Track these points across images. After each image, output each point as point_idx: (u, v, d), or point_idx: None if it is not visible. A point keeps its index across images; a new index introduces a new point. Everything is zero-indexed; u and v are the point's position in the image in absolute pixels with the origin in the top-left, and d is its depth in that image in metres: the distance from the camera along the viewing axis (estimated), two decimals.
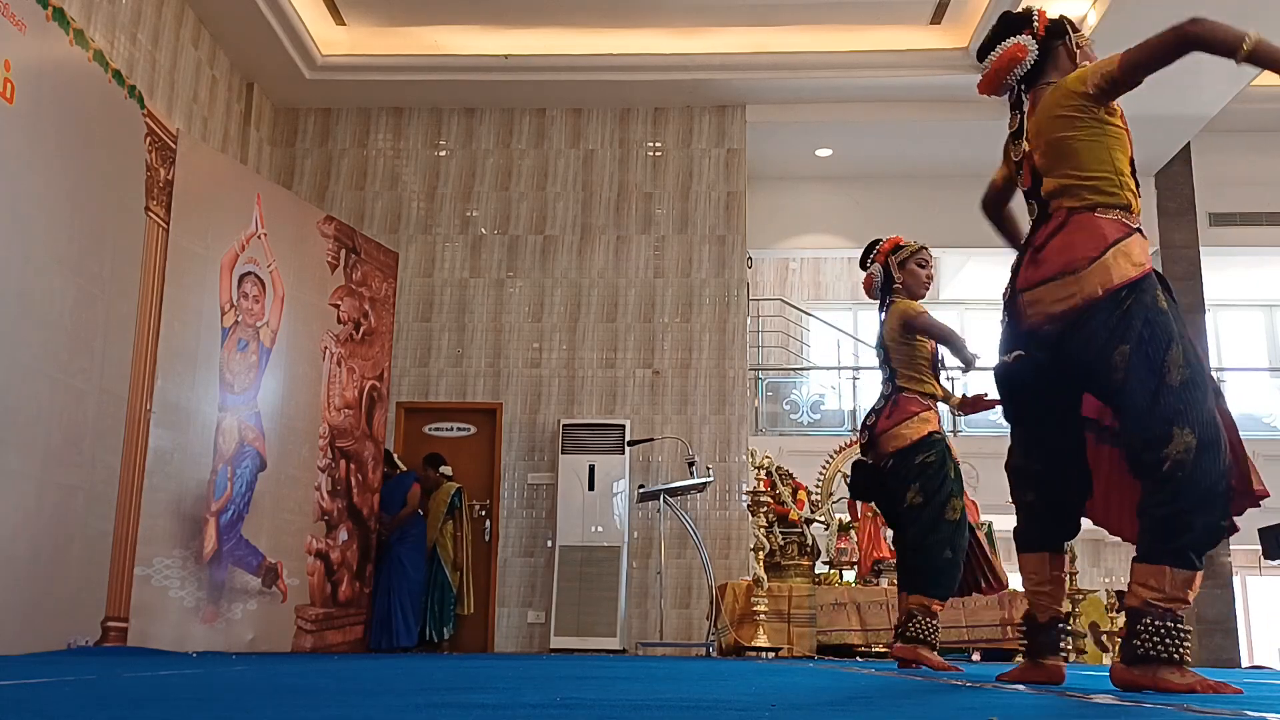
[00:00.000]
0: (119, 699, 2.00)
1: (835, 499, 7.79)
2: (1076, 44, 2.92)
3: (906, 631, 4.18)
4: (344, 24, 8.72)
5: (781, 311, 11.63)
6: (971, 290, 12.61)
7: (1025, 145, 2.87)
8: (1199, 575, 2.45)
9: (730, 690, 2.51)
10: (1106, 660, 7.99)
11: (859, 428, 4.74)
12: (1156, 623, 2.41)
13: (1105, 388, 2.61)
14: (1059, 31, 2.93)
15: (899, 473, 4.29)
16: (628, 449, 8.46)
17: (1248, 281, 11.83)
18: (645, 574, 8.47)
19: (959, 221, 10.67)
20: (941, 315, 14.73)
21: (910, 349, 4.42)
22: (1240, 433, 2.69)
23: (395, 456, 8.12)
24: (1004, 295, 2.88)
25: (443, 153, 9.42)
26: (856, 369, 11.16)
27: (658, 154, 9.39)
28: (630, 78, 8.98)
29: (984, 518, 7.06)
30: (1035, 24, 2.93)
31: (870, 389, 10.15)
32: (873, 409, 4.50)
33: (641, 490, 8.05)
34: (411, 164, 9.39)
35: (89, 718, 1.56)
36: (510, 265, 9.18)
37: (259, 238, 6.65)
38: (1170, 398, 2.47)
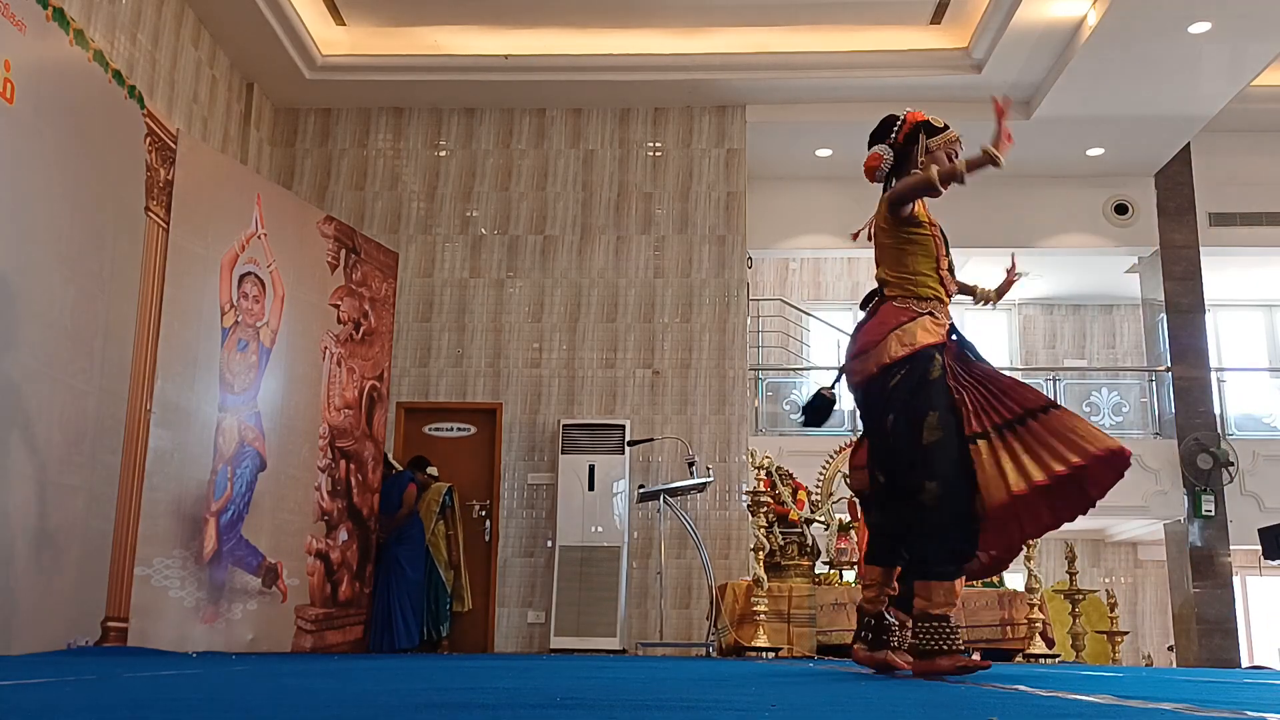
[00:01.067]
0: (119, 699, 2.00)
1: (835, 499, 7.79)
2: (926, 148, 3.55)
3: None
4: (344, 24, 8.72)
5: (781, 311, 11.63)
6: None
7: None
8: (956, 584, 3.22)
9: (730, 690, 2.51)
10: (1108, 660, 7.99)
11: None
12: (929, 625, 3.15)
13: (883, 444, 3.40)
14: (913, 139, 3.57)
15: None
16: (628, 449, 8.46)
17: (1248, 281, 11.82)
18: (645, 574, 8.47)
19: (958, 221, 10.66)
20: None
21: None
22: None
23: (389, 457, 8.11)
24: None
25: (443, 153, 9.43)
26: None
27: (658, 154, 9.39)
28: (630, 78, 8.98)
29: None
30: (895, 134, 3.61)
31: None
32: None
33: (641, 490, 8.05)
34: (411, 164, 9.39)
35: (89, 718, 1.56)
36: (510, 265, 9.17)
37: (259, 238, 6.65)
38: (925, 454, 3.22)
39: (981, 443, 3.22)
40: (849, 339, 3.59)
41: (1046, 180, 10.09)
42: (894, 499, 3.32)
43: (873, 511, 3.60)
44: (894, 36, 8.68)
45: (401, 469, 8.11)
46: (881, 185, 3.66)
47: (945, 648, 3.11)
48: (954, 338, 3.45)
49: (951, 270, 3.54)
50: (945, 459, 3.19)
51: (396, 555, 7.73)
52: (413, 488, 7.90)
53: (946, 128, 3.59)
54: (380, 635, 7.57)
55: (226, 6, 7.86)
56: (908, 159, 3.55)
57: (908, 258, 3.46)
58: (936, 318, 3.40)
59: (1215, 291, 10.77)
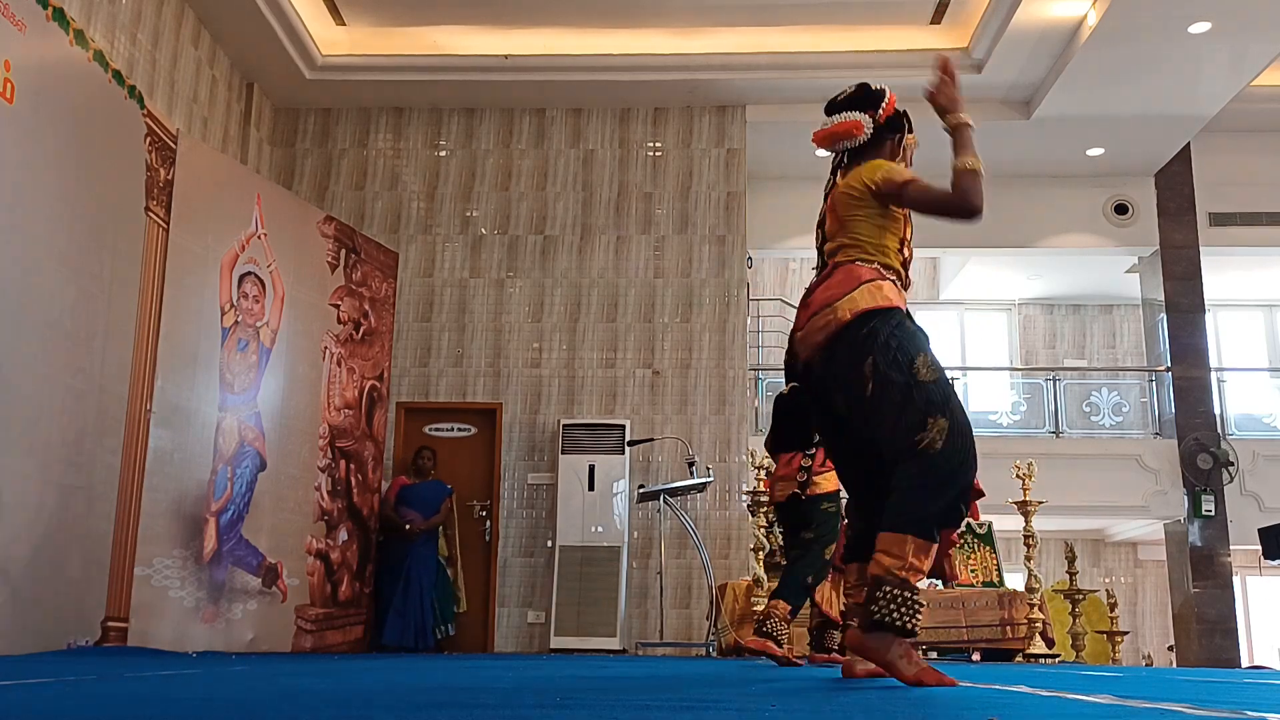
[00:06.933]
0: (119, 699, 2.01)
1: None
2: (903, 143, 3.22)
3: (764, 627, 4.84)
4: (344, 24, 8.72)
5: (781, 311, 11.61)
6: (971, 291, 12.61)
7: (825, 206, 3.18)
8: (934, 548, 2.65)
9: (730, 690, 2.51)
10: (1108, 660, 7.99)
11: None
12: (893, 590, 2.57)
13: (860, 398, 2.80)
14: (896, 125, 3.19)
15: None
16: (628, 449, 8.46)
17: (1248, 281, 11.82)
18: (645, 574, 8.47)
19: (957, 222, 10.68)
20: (941, 316, 14.54)
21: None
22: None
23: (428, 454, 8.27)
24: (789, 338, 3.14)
25: (443, 153, 9.43)
26: None
27: (658, 154, 9.39)
28: (630, 78, 8.98)
29: (984, 518, 7.05)
30: (882, 110, 3.16)
31: None
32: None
33: (641, 490, 8.05)
34: (411, 164, 9.39)
35: (89, 718, 1.56)
36: (510, 265, 9.18)
37: (259, 238, 6.65)
38: (924, 391, 2.72)
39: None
40: (796, 311, 3.14)
41: (1046, 180, 10.09)
42: (892, 462, 2.74)
43: (853, 514, 3.13)
44: (894, 36, 8.68)
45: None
46: (839, 155, 3.23)
47: (901, 623, 2.55)
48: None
49: (908, 260, 3.19)
50: (948, 397, 2.73)
51: (424, 555, 7.81)
52: (450, 500, 8.12)
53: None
54: (414, 634, 7.52)
55: (226, 6, 7.86)
56: (880, 143, 3.17)
57: (878, 231, 3.07)
58: (899, 289, 3.02)
59: (1215, 291, 10.76)
